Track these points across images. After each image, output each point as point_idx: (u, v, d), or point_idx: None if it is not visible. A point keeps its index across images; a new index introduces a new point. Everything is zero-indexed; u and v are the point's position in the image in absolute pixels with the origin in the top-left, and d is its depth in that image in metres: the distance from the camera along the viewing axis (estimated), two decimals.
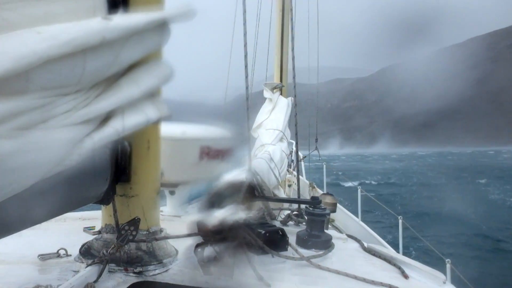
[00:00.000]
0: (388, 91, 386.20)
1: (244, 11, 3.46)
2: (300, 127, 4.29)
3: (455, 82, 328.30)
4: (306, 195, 4.54)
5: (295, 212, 3.74)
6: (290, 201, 4.03)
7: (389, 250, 3.22)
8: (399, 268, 2.77)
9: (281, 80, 7.09)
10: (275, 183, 4.17)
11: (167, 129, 3.17)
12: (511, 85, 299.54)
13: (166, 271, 2.31)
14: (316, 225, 3.15)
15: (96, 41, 1.34)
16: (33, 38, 1.16)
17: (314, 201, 3.24)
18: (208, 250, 2.36)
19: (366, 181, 38.69)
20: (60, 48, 1.22)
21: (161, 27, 1.75)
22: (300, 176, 6.28)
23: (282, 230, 2.77)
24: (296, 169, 4.32)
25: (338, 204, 6.29)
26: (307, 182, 6.90)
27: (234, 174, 3.88)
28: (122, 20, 1.48)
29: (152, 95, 1.87)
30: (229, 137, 3.54)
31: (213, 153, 3.39)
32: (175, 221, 3.43)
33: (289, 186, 6.68)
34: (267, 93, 6.46)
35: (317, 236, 3.07)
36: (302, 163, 7.16)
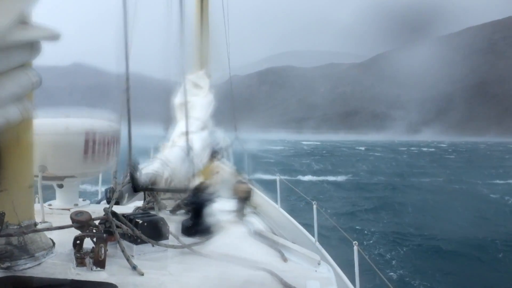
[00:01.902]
0: (381, 77, 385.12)
1: None
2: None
3: (449, 71, 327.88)
4: (232, 181, 4.59)
5: (184, 201, 3.75)
6: (169, 190, 4.02)
7: (273, 235, 3.29)
8: (279, 251, 2.88)
9: (203, 67, 6.94)
10: (191, 172, 4.13)
11: (51, 124, 3.22)
12: (504, 76, 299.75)
13: (39, 264, 2.33)
14: (199, 212, 3.18)
15: None
16: None
17: (196, 189, 3.26)
18: (85, 242, 2.39)
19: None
20: None
21: (30, 45, 2.02)
22: (227, 163, 6.34)
23: (162, 219, 2.78)
24: (187, 154, 4.25)
25: (260, 192, 6.39)
26: (232, 169, 6.93)
27: (144, 166, 3.92)
28: None
29: (17, 99, 2.03)
30: (116, 128, 3.54)
31: (98, 146, 3.38)
32: (64, 214, 3.40)
33: (216, 173, 6.67)
34: (196, 78, 6.32)
35: (200, 224, 3.11)
36: (229, 150, 7.20)
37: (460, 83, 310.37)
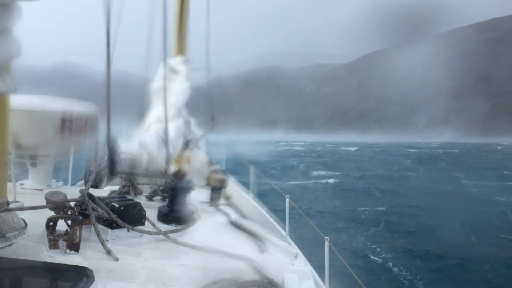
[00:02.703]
0: (368, 78, 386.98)
1: None
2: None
3: (435, 72, 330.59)
4: (205, 171, 4.59)
5: (161, 187, 3.72)
6: (148, 175, 4.00)
7: (251, 226, 3.28)
8: (257, 243, 2.87)
9: (181, 52, 6.90)
10: (167, 159, 4.11)
11: (27, 101, 3.19)
12: (489, 77, 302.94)
13: (10, 245, 2.29)
14: (176, 199, 3.15)
15: None
16: None
17: (174, 176, 3.23)
18: (59, 224, 2.35)
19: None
20: None
21: (6, 7, 1.91)
22: (200, 153, 6.33)
23: (139, 204, 2.76)
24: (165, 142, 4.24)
25: (235, 184, 6.38)
26: (206, 158, 6.98)
27: (122, 146, 3.88)
28: None
29: None
30: (95, 110, 3.50)
31: (75, 127, 3.33)
32: (36, 194, 3.37)
33: (189, 162, 6.66)
34: (174, 63, 6.26)
35: (177, 211, 3.09)
36: (202, 140, 7.22)
37: (447, 83, 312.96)
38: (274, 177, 31.87)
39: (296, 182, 33.12)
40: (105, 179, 3.96)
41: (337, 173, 40.14)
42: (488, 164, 54.12)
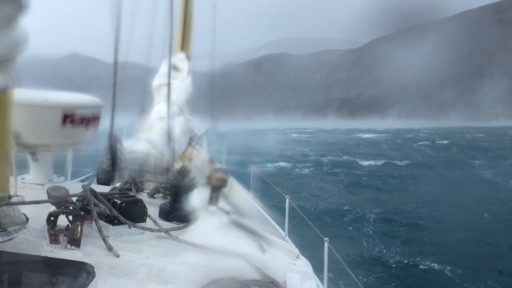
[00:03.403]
0: (377, 63, 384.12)
1: None
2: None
3: (444, 56, 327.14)
4: (206, 170, 4.58)
5: (163, 185, 3.71)
6: (153, 172, 3.99)
7: (252, 225, 3.26)
8: (258, 242, 2.85)
9: (183, 49, 6.86)
10: (173, 157, 4.10)
11: (30, 94, 3.17)
12: (498, 60, 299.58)
13: (11, 239, 2.28)
14: (179, 197, 3.13)
15: None
16: None
17: (178, 173, 3.22)
18: (60, 219, 2.34)
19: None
20: None
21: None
22: (202, 151, 6.31)
23: (141, 201, 2.74)
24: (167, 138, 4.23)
25: (235, 181, 6.36)
26: (208, 157, 6.93)
27: (130, 144, 3.88)
28: None
29: (1, 61, 1.91)
30: (99, 104, 3.47)
31: (77, 120, 3.31)
32: (37, 189, 3.36)
33: (191, 160, 6.63)
34: (175, 60, 6.26)
35: (179, 209, 3.07)
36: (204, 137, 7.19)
37: (456, 67, 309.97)
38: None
39: None
40: (116, 177, 3.97)
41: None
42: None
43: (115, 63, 2.56)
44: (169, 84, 4.20)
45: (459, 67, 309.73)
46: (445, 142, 69.40)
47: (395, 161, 38.50)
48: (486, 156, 42.02)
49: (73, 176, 5.50)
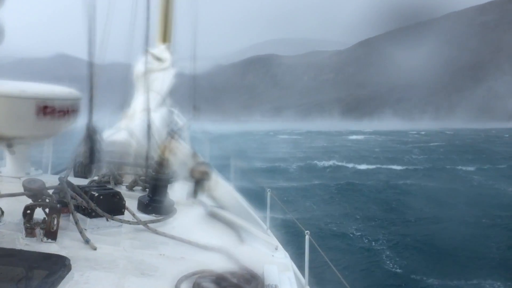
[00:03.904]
0: (365, 64, 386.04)
1: None
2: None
3: (431, 58, 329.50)
4: (189, 163, 4.58)
5: (142, 177, 3.68)
6: (130, 164, 3.96)
7: (230, 217, 3.25)
8: (237, 234, 2.84)
9: (165, 40, 6.85)
10: (152, 148, 4.08)
11: (4, 87, 3.13)
12: (486, 62, 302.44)
13: None
14: (157, 190, 3.11)
15: None
16: None
17: (157, 165, 3.20)
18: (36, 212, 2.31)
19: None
20: None
21: None
22: (183, 143, 6.28)
23: (119, 194, 2.73)
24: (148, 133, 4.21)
25: (216, 174, 6.35)
26: (190, 150, 6.87)
27: (110, 134, 3.84)
28: None
29: None
30: (77, 96, 3.42)
31: (53, 112, 3.25)
32: (13, 182, 3.31)
33: (172, 152, 6.56)
34: (159, 52, 6.24)
35: (158, 201, 3.06)
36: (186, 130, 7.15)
37: (443, 69, 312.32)
38: None
39: None
40: (94, 170, 3.91)
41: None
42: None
43: (90, 54, 2.52)
44: (146, 80, 4.16)
45: (446, 68, 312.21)
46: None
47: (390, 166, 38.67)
48: None
49: (54, 169, 5.44)
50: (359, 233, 16.67)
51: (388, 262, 13.38)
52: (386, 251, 14.30)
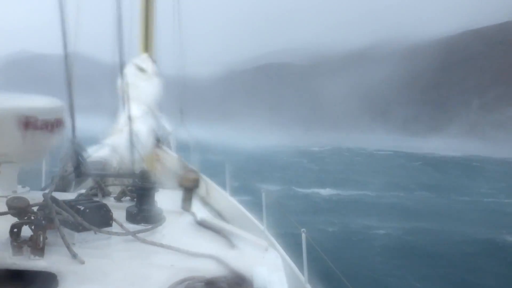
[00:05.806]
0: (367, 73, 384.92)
1: None
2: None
3: (444, 75, 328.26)
4: (178, 171, 4.53)
5: (129, 187, 3.65)
6: (113, 175, 3.88)
7: (219, 222, 3.23)
8: (226, 238, 2.82)
9: (147, 51, 6.85)
10: (136, 159, 4.00)
11: None
12: (499, 81, 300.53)
13: None
14: (144, 199, 3.08)
15: None
16: None
17: (141, 175, 3.15)
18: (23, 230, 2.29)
19: None
20: None
21: None
22: (170, 151, 6.23)
23: (105, 206, 2.67)
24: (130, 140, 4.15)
25: (210, 180, 6.33)
26: (176, 156, 6.71)
27: (94, 150, 3.79)
28: None
29: None
30: (60, 108, 3.28)
31: (38, 125, 3.10)
32: (0, 202, 3.19)
33: (158, 160, 6.51)
34: (141, 62, 6.25)
35: (146, 211, 2.99)
36: (172, 137, 7.08)
37: (456, 87, 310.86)
38: None
39: None
40: (73, 183, 3.88)
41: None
42: None
43: (66, 63, 2.44)
44: (124, 88, 4.12)
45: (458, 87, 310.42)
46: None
47: None
48: None
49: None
50: None
51: None
52: None
